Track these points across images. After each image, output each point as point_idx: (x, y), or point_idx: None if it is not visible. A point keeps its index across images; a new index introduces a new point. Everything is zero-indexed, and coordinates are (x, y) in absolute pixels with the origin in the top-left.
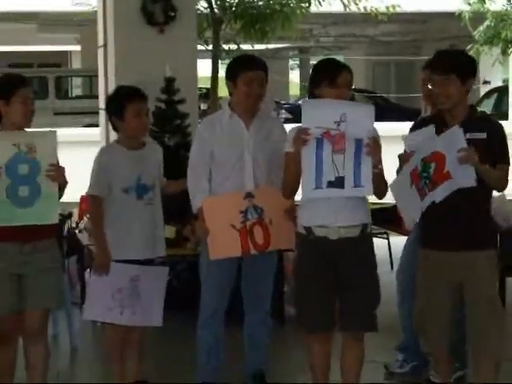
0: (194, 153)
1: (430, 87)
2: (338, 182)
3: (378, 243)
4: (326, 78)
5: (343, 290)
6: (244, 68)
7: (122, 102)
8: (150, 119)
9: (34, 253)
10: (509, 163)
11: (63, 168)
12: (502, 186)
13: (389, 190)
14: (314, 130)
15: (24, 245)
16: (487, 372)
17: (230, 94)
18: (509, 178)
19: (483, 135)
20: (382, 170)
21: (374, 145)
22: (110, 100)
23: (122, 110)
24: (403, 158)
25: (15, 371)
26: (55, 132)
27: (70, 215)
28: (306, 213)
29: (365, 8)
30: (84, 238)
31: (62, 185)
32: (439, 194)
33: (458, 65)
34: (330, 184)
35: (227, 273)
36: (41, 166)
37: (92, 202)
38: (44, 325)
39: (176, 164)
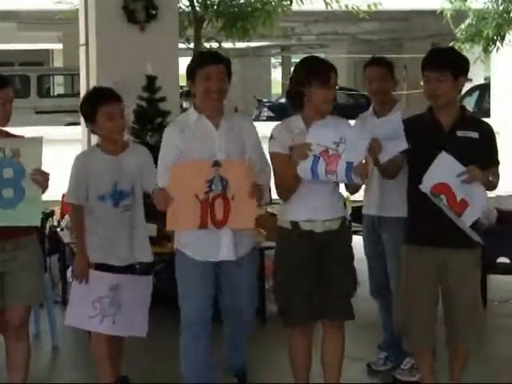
0: (161, 159)
1: (377, 83)
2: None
3: (356, 240)
4: (319, 78)
5: (324, 280)
6: (200, 64)
7: (94, 105)
8: (130, 119)
9: (16, 250)
10: (499, 163)
11: (48, 174)
12: (495, 187)
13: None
14: (315, 147)
15: (5, 243)
16: (462, 364)
17: (194, 94)
18: None
19: (475, 135)
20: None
21: (363, 168)
22: (83, 103)
23: (95, 114)
24: None
25: None
26: (41, 138)
27: (51, 213)
28: (292, 208)
29: (346, 6)
30: (65, 236)
31: (43, 189)
32: (467, 221)
33: (453, 62)
34: None
35: (203, 283)
36: (25, 170)
37: (71, 210)
38: (25, 321)
39: (157, 162)
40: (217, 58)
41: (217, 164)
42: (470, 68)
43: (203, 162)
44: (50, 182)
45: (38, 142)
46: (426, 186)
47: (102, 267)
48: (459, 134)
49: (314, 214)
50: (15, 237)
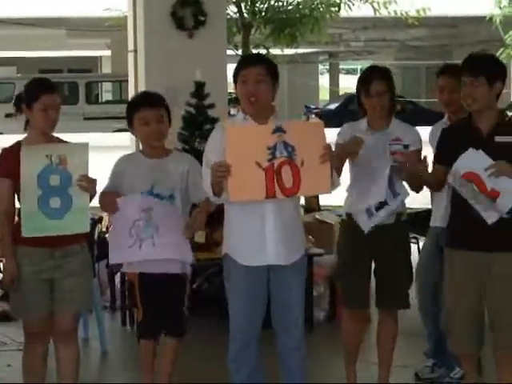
0: (205, 156)
1: (447, 94)
2: (383, 204)
3: None
4: (362, 87)
5: (379, 271)
6: (239, 67)
7: (132, 110)
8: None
9: (65, 257)
10: None
11: (95, 180)
12: None
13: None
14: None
15: (55, 250)
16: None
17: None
18: None
19: None
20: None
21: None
22: (126, 108)
23: (132, 119)
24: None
25: (46, 374)
26: (87, 144)
27: (100, 220)
28: (348, 200)
29: (395, 12)
30: None
31: (91, 195)
32: (503, 206)
33: (487, 68)
34: (378, 208)
35: (256, 298)
36: (72, 177)
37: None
38: (74, 327)
39: None
40: (253, 60)
41: (279, 129)
42: (507, 74)
43: (262, 126)
44: (97, 188)
45: (84, 148)
46: (456, 172)
47: (143, 276)
48: (498, 139)
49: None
50: (64, 244)
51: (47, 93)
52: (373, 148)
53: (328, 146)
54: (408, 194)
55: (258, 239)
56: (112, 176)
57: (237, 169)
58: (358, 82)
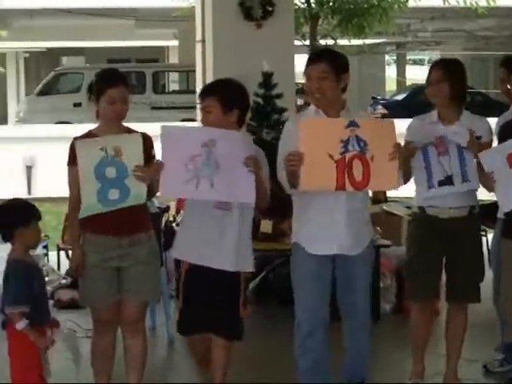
0: (279, 154)
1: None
2: (448, 180)
3: None
4: (427, 77)
5: (451, 264)
6: (306, 64)
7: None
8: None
9: (132, 246)
10: None
11: (149, 169)
12: None
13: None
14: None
15: (122, 238)
16: None
17: None
18: None
19: None
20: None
21: (471, 142)
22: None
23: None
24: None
25: (114, 362)
26: (140, 135)
27: (167, 209)
28: (420, 194)
29: (464, 2)
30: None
31: (152, 186)
32: None
33: None
34: (441, 183)
35: (321, 285)
36: (127, 168)
37: None
38: (141, 316)
39: (274, 158)
40: (316, 58)
41: (353, 124)
42: None
43: (336, 119)
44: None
45: (137, 138)
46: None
47: (198, 269)
48: None
49: (439, 200)
50: (131, 233)
51: (113, 86)
52: None
53: (397, 145)
54: (478, 187)
55: (327, 229)
56: None
57: (309, 158)
58: None
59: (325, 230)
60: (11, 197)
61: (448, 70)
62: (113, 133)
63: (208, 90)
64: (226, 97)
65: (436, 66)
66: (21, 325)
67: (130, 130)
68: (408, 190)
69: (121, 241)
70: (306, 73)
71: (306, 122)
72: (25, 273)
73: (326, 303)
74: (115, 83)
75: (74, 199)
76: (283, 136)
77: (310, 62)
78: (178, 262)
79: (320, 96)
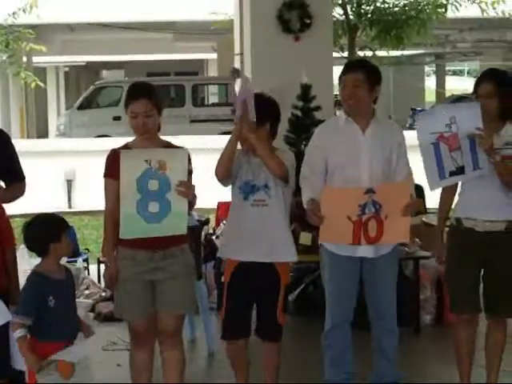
0: (305, 158)
1: None
2: (459, 171)
3: None
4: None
5: (489, 277)
6: (342, 73)
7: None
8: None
9: (165, 259)
10: None
11: (193, 186)
12: None
13: None
14: (429, 137)
15: (155, 252)
16: None
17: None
18: None
19: None
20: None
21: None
22: None
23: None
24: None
25: (153, 374)
26: (186, 150)
27: (207, 221)
28: (459, 205)
29: (503, 12)
30: (221, 241)
31: (191, 201)
32: None
33: None
34: (452, 173)
35: (348, 282)
36: (171, 182)
37: None
38: (178, 329)
39: None
40: (353, 66)
41: (370, 191)
42: None
43: (356, 188)
44: (204, 185)
45: (183, 154)
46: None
47: (240, 266)
48: None
49: (475, 212)
50: (164, 246)
51: (134, 100)
52: None
53: (410, 205)
54: (487, 170)
55: None
56: None
57: (329, 219)
58: None
59: None
60: (52, 210)
61: (498, 84)
62: (148, 146)
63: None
64: (258, 111)
65: (485, 78)
66: (16, 334)
67: (167, 144)
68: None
69: (154, 254)
70: (342, 80)
71: (328, 191)
72: (39, 286)
73: (351, 301)
74: (136, 97)
75: (109, 211)
76: (310, 144)
77: (346, 69)
78: (217, 275)
79: (353, 102)
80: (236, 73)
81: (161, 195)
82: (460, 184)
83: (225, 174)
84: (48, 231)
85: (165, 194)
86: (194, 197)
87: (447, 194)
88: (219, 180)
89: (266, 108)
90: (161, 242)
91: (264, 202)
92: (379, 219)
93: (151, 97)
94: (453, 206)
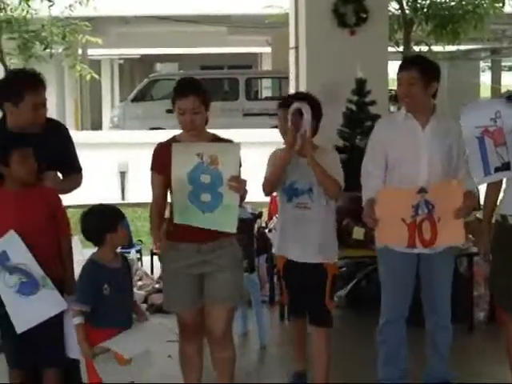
0: (367, 153)
1: None
2: (505, 167)
3: None
4: None
5: None
6: (398, 70)
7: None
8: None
9: (212, 252)
10: None
11: (245, 181)
12: None
13: None
14: (473, 130)
15: (202, 245)
16: None
17: None
18: None
19: None
20: None
21: None
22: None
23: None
24: None
25: (203, 367)
26: (239, 145)
27: (260, 215)
28: (503, 202)
29: None
30: (273, 237)
31: (242, 195)
32: None
33: None
34: (497, 169)
35: (404, 278)
36: (223, 177)
37: None
38: (227, 325)
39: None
40: (406, 64)
41: (423, 190)
42: None
43: (409, 188)
44: (257, 179)
45: (235, 148)
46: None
47: (289, 262)
48: None
49: None
50: (211, 239)
51: (182, 97)
52: None
53: (462, 208)
54: None
55: None
56: None
57: (384, 222)
58: None
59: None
60: (106, 201)
61: None
62: (196, 141)
63: (291, 104)
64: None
65: None
66: (75, 321)
67: (215, 137)
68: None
69: (202, 247)
70: (398, 78)
71: (383, 193)
72: (94, 274)
73: (406, 297)
74: (184, 94)
75: (155, 202)
76: (370, 139)
77: (401, 67)
78: (270, 268)
79: (409, 100)
80: (299, 112)
81: (213, 188)
82: (505, 180)
83: (272, 191)
84: (104, 221)
85: (217, 188)
86: (245, 191)
87: (492, 190)
88: (266, 194)
89: (315, 107)
90: (209, 235)
91: (306, 204)
92: (432, 220)
93: (199, 93)
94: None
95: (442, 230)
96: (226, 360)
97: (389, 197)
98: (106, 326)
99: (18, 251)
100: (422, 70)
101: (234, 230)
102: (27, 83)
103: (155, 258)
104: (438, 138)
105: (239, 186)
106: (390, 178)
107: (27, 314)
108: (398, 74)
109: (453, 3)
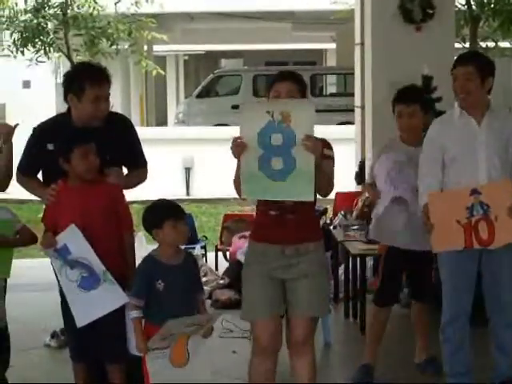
0: (423, 153)
1: None
2: None
3: None
4: None
5: None
6: (453, 66)
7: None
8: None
9: (297, 256)
10: None
11: (319, 142)
12: None
13: None
14: None
15: (285, 248)
16: None
17: None
18: None
19: None
20: None
21: None
22: None
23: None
24: None
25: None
26: (312, 102)
27: (325, 211)
28: None
29: None
30: (339, 234)
31: (316, 157)
32: None
33: None
34: None
35: (465, 276)
36: (296, 136)
37: None
38: (310, 334)
39: None
40: (463, 60)
41: (475, 192)
42: None
43: (460, 190)
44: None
45: (309, 105)
46: None
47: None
48: None
49: None
50: (296, 242)
51: (280, 80)
52: None
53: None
54: None
55: None
56: None
57: (439, 226)
58: None
59: None
60: (170, 197)
61: None
62: None
63: (412, 97)
64: (424, 102)
65: None
66: (131, 314)
67: None
68: None
69: (285, 250)
70: (453, 74)
71: (432, 197)
72: (148, 269)
73: (468, 295)
74: (283, 78)
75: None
76: (426, 138)
77: (457, 63)
78: (335, 266)
79: (464, 96)
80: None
81: (285, 150)
82: None
83: None
84: (150, 217)
85: (289, 148)
86: (319, 153)
87: None
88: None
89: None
90: (294, 237)
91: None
92: (489, 220)
93: (296, 82)
94: None
95: (501, 229)
96: (305, 367)
97: (440, 200)
98: (158, 322)
99: (79, 245)
100: (478, 66)
101: (312, 198)
102: (89, 76)
103: (220, 254)
104: (494, 133)
105: (314, 145)
106: (448, 175)
107: (88, 309)
108: (453, 69)
109: None
